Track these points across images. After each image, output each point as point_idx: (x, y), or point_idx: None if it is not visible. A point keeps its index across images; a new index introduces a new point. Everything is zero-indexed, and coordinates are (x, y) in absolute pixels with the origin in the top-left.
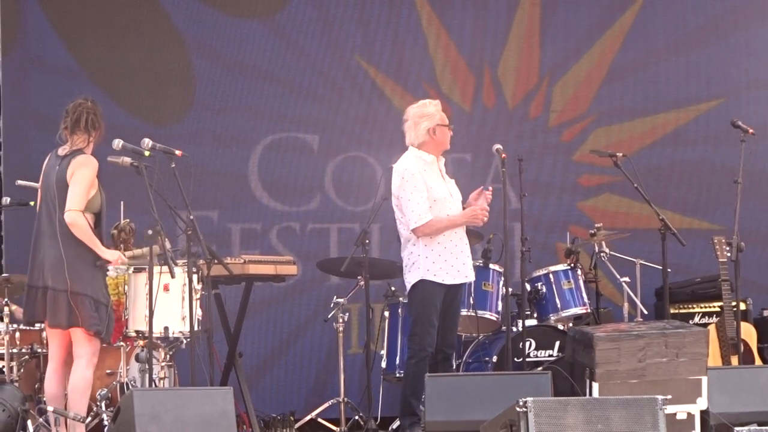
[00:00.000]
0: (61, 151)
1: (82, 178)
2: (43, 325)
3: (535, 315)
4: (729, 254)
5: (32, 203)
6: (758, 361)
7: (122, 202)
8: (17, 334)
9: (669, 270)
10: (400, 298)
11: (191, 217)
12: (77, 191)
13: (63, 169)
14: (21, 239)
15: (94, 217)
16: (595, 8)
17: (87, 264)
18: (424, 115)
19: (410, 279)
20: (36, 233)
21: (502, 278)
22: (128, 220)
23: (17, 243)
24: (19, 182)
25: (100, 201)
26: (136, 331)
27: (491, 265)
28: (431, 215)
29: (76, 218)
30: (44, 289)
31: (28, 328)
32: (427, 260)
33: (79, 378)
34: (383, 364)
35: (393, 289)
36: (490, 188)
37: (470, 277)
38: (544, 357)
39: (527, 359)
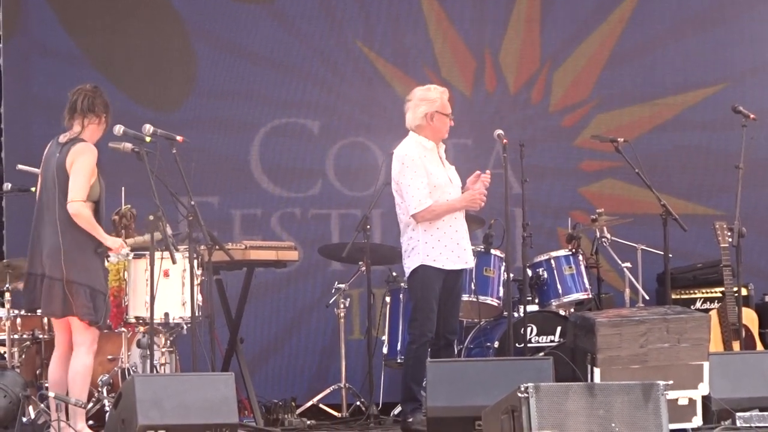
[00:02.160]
0: (62, 138)
1: (83, 167)
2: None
3: (537, 300)
4: (730, 239)
5: (33, 189)
6: (760, 347)
7: (123, 188)
8: (18, 320)
9: (670, 255)
10: (402, 284)
11: (192, 202)
12: (79, 181)
13: (62, 156)
14: (22, 225)
15: (93, 205)
16: None
17: (84, 252)
18: (425, 99)
19: (410, 264)
20: (35, 220)
21: (504, 264)
22: (129, 205)
23: (18, 229)
24: (20, 167)
25: (99, 189)
26: (136, 317)
27: (493, 251)
28: (431, 200)
29: (80, 209)
30: (42, 277)
31: (29, 314)
32: (426, 245)
33: (80, 365)
34: (385, 350)
35: (394, 274)
36: (488, 171)
37: (470, 263)
38: (546, 342)
39: (529, 345)
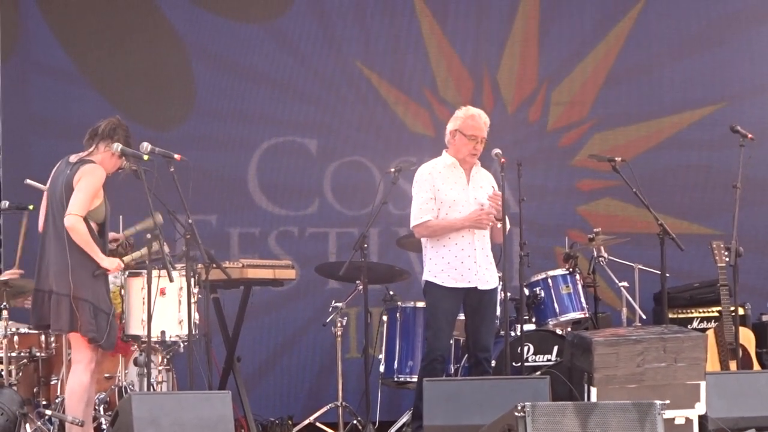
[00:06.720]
0: (73, 158)
1: (88, 184)
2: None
3: (534, 319)
4: (727, 259)
5: (31, 207)
6: (756, 366)
7: (121, 216)
8: (15, 338)
9: (667, 275)
10: (399, 302)
11: (190, 221)
12: (80, 197)
13: (71, 175)
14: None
15: (98, 227)
16: (594, 13)
17: (89, 271)
18: (454, 117)
19: (423, 280)
20: (42, 237)
21: (501, 283)
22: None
23: (15, 246)
24: (28, 181)
25: (104, 211)
26: (131, 335)
27: None
28: (430, 216)
29: (75, 223)
30: (49, 294)
31: (27, 331)
32: (430, 262)
33: (75, 383)
34: (381, 369)
35: (391, 293)
36: (496, 192)
37: (473, 282)
38: (543, 361)
39: (526, 364)
